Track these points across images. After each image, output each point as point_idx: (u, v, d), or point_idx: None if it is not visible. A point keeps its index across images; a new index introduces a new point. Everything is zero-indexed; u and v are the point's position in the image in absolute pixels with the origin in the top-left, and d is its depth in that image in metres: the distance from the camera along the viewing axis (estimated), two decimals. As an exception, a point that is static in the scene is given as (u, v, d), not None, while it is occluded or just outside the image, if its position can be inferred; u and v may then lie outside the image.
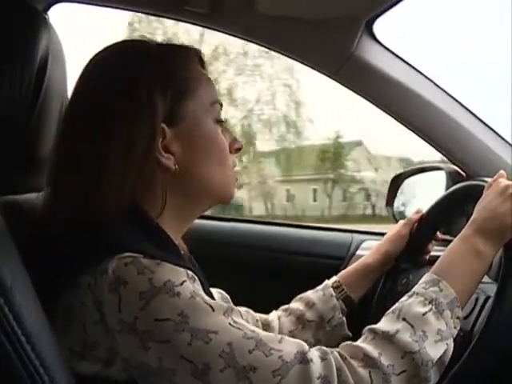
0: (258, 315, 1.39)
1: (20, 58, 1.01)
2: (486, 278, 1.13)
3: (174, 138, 1.02)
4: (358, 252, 1.77)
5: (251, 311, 1.38)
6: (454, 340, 0.99)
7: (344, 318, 1.36)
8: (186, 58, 1.08)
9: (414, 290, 1.03)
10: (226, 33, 1.52)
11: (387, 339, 0.95)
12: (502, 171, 1.15)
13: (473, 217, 1.10)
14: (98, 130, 0.98)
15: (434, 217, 1.39)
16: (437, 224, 1.40)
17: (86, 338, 0.89)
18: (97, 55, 1.05)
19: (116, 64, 1.03)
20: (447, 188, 1.48)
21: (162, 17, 1.50)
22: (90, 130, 0.98)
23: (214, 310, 0.88)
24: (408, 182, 1.70)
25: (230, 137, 1.11)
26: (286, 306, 1.40)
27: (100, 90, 1.01)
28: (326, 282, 1.41)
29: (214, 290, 1.27)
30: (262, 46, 1.54)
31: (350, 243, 1.81)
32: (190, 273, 0.91)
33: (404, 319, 0.97)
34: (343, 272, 1.43)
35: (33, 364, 0.79)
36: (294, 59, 1.55)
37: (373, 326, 0.98)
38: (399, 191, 1.70)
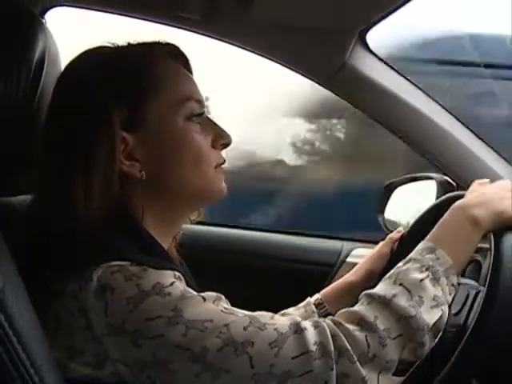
0: None
1: (16, 61, 1.02)
2: (477, 286, 1.14)
3: (138, 143, 1.00)
4: (349, 259, 1.79)
5: None
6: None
7: None
8: (148, 57, 1.05)
9: (410, 256, 1.05)
10: (220, 39, 1.52)
11: (383, 303, 0.95)
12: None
13: (476, 192, 1.13)
14: (62, 145, 0.98)
15: (416, 234, 1.39)
16: (425, 232, 1.40)
17: (72, 344, 0.88)
18: (64, 69, 1.05)
19: (72, 77, 1.03)
20: (438, 198, 1.48)
21: (156, 22, 1.50)
22: (56, 145, 0.99)
23: (205, 300, 0.89)
24: (399, 191, 1.71)
25: (214, 132, 1.07)
26: None
27: (61, 104, 1.01)
28: (308, 299, 1.41)
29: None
30: (255, 53, 1.54)
31: (341, 250, 1.82)
32: (177, 273, 0.92)
33: (401, 284, 0.98)
34: (325, 290, 1.43)
35: (23, 364, 0.79)
36: (286, 67, 1.55)
37: (369, 291, 0.99)
38: (390, 200, 1.71)
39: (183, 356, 0.85)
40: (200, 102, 1.07)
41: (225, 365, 0.86)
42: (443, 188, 1.55)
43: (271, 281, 1.80)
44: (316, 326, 0.91)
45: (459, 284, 1.08)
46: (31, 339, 0.82)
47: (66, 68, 1.05)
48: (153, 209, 1.02)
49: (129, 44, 1.08)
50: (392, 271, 1.03)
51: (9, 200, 1.08)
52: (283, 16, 1.42)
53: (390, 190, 1.71)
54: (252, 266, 1.84)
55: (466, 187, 1.45)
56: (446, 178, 1.57)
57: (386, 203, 1.71)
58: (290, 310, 1.40)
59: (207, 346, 0.85)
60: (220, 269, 1.77)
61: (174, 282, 0.89)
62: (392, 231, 1.66)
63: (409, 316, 0.94)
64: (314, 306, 1.38)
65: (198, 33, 1.51)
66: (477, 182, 1.18)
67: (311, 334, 0.89)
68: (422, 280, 0.98)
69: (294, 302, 1.41)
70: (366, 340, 0.91)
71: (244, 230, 2.02)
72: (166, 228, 1.07)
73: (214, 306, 0.89)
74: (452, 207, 1.10)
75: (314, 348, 0.88)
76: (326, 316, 1.31)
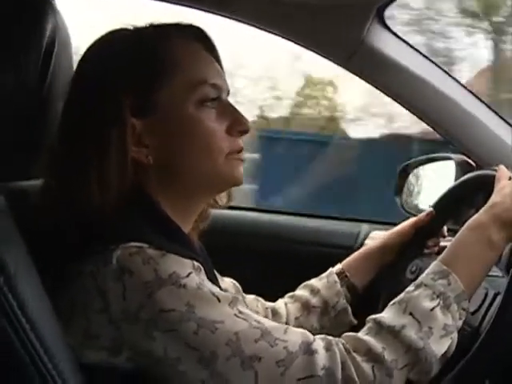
0: (268, 303, 1.39)
1: (26, 43, 1.01)
2: (495, 271, 1.12)
3: (147, 129, 0.99)
4: (367, 242, 1.76)
5: (261, 299, 1.39)
6: (460, 336, 0.99)
7: (348, 305, 1.36)
8: (163, 41, 1.02)
9: (421, 279, 1.02)
10: (236, 19, 1.51)
11: (392, 334, 0.94)
12: None
13: (492, 201, 1.07)
14: (76, 131, 0.98)
15: (445, 205, 1.38)
16: (447, 213, 1.39)
17: (88, 328, 0.88)
18: (83, 54, 1.04)
19: (87, 62, 1.03)
20: (457, 178, 1.46)
21: (171, 3, 1.49)
22: (71, 131, 0.99)
23: (219, 301, 0.88)
24: (417, 172, 1.69)
25: (230, 118, 1.04)
26: (292, 294, 1.41)
27: (76, 91, 1.01)
28: (331, 269, 1.41)
29: (226, 279, 1.29)
30: (272, 32, 1.52)
31: (359, 233, 1.80)
32: (196, 263, 0.91)
33: (411, 313, 0.96)
34: (347, 260, 1.44)
35: (37, 352, 0.79)
36: (303, 46, 1.53)
37: (378, 318, 0.98)
38: (408, 181, 1.69)
39: (192, 356, 0.85)
40: (216, 86, 1.04)
41: (230, 376, 0.86)
42: (462, 168, 1.53)
43: (288, 264, 1.79)
44: (328, 349, 0.91)
45: None
46: (44, 326, 0.82)
47: (84, 53, 1.04)
48: (167, 194, 1.02)
49: (148, 26, 1.06)
50: (402, 296, 1.01)
51: (20, 184, 1.08)
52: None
53: (407, 170, 1.70)
54: (268, 249, 1.83)
55: (484, 166, 1.45)
56: (465, 158, 1.55)
57: (403, 184, 1.69)
58: (313, 280, 1.41)
59: (217, 352, 0.85)
60: (235, 252, 1.76)
61: (190, 272, 0.88)
62: (410, 212, 1.65)
63: (417, 348, 0.93)
64: (336, 276, 1.38)
65: (214, 13, 1.49)
66: (499, 180, 1.12)
67: (321, 358, 0.89)
68: (432, 309, 0.97)
69: (312, 285, 1.40)
70: (373, 371, 0.90)
71: (260, 213, 2.02)
72: (183, 213, 1.06)
73: (227, 308, 0.89)
74: (467, 226, 1.07)
75: (321, 373, 0.88)
76: (348, 286, 1.36)
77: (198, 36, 1.07)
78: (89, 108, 0.97)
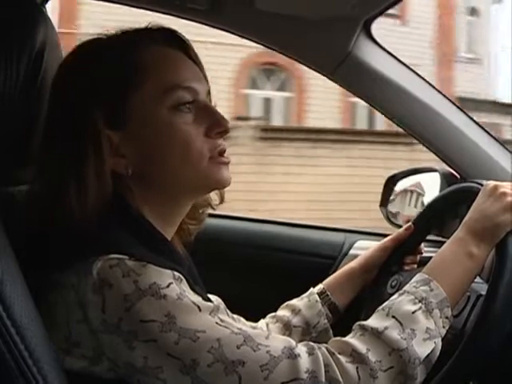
0: (249, 323, 1.38)
1: (16, 50, 1.01)
2: (477, 279, 1.13)
3: (124, 140, 0.98)
4: (351, 252, 1.77)
5: (242, 319, 1.38)
6: (444, 338, 1.00)
7: (329, 325, 1.36)
8: (132, 48, 1.01)
9: (404, 288, 1.04)
10: (225, 30, 1.52)
11: (376, 335, 0.96)
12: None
13: (465, 219, 1.11)
14: (55, 145, 0.98)
15: (427, 218, 1.39)
16: (429, 225, 1.40)
17: (69, 335, 0.89)
18: (58, 67, 1.04)
19: (60, 76, 1.03)
20: (441, 190, 1.48)
21: (162, 13, 1.50)
22: (50, 145, 0.99)
23: (200, 310, 0.89)
24: (402, 183, 1.70)
25: (208, 120, 1.02)
26: (273, 314, 1.40)
27: (52, 105, 1.02)
28: (311, 289, 1.41)
29: (210, 296, 1.28)
30: (260, 43, 1.53)
31: (343, 243, 1.80)
32: (177, 274, 0.91)
33: (393, 317, 0.98)
34: (328, 279, 1.43)
35: (22, 356, 0.79)
36: (290, 57, 1.55)
37: (362, 323, 0.99)
38: (393, 192, 1.70)
39: (174, 365, 0.85)
40: (190, 88, 1.02)
41: (213, 381, 0.86)
42: (447, 180, 1.54)
43: (273, 273, 1.79)
44: (310, 353, 0.91)
45: None
46: (30, 330, 0.82)
47: (59, 66, 1.04)
48: (148, 202, 1.01)
49: (117, 33, 1.04)
50: (386, 303, 1.03)
51: (8, 189, 1.08)
52: (288, 5, 1.41)
53: (393, 181, 1.71)
54: (253, 258, 1.82)
55: (468, 178, 1.46)
56: (450, 170, 1.57)
57: (389, 195, 1.70)
58: (294, 300, 1.40)
59: (197, 359, 0.85)
60: (219, 260, 1.75)
61: (171, 283, 0.88)
62: (394, 223, 1.66)
63: (400, 349, 0.94)
64: (317, 296, 1.38)
65: (204, 23, 1.50)
66: (486, 189, 1.13)
67: (304, 361, 0.89)
68: (414, 312, 0.98)
69: (297, 295, 1.41)
70: (357, 372, 0.91)
71: (243, 222, 2.01)
72: (166, 219, 1.06)
73: (208, 317, 0.89)
74: (451, 238, 1.10)
75: (305, 376, 0.88)
76: (329, 306, 1.34)
77: (170, 39, 1.06)
78: (63, 123, 0.97)
